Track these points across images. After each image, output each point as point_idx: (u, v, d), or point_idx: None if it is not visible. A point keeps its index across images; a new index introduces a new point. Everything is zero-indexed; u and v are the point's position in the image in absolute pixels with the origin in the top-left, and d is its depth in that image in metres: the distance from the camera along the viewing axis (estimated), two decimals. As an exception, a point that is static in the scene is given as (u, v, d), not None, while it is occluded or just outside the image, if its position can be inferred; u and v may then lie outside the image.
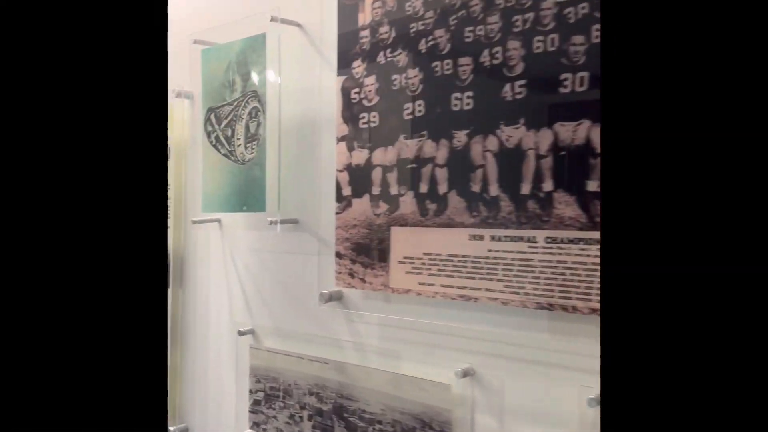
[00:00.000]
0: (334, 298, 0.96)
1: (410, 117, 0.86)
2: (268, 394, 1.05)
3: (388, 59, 0.88)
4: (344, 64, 0.93)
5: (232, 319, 1.14)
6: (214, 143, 1.09)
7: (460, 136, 0.80)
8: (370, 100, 0.90)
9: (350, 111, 0.92)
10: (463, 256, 0.80)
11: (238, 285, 1.13)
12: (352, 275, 0.92)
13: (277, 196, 1.01)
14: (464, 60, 0.80)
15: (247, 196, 1.04)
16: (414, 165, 0.85)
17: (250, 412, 1.08)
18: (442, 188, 0.82)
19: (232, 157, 1.07)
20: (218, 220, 1.16)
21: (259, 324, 1.09)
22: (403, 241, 0.86)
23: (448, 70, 0.82)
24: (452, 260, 0.81)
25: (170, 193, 1.22)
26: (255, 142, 1.03)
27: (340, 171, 0.94)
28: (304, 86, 1.01)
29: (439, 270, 0.82)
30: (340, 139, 0.94)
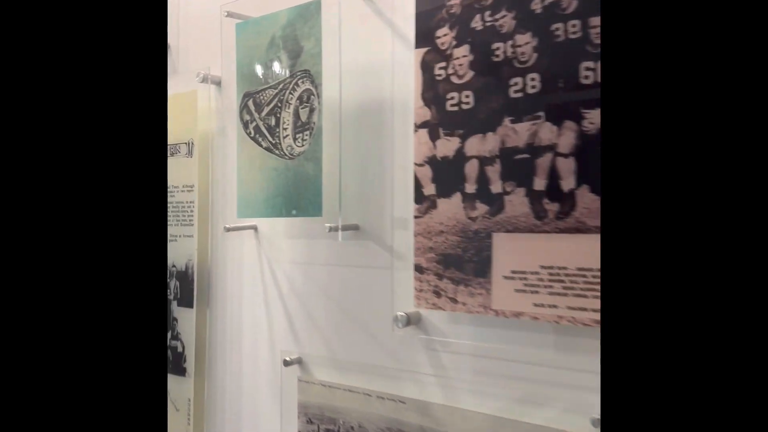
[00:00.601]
0: (412, 321, 0.78)
1: (519, 95, 0.68)
2: (323, 438, 0.87)
3: (488, 24, 0.70)
4: (425, 33, 0.75)
5: (273, 346, 0.95)
6: (252, 135, 0.91)
7: (593, 117, 0.63)
8: (461, 77, 0.73)
9: (433, 91, 0.75)
10: (599, 270, 0.62)
11: (279, 304, 0.95)
12: (437, 293, 0.74)
13: (338, 198, 0.83)
14: (597, 20, 0.63)
15: (298, 197, 0.86)
16: (525, 155, 0.68)
17: (298, 458, 0.90)
18: (568, 183, 0.65)
19: (276, 151, 0.88)
20: (254, 227, 0.98)
21: (309, 352, 0.91)
22: (510, 251, 0.69)
23: (574, 33, 0.64)
24: (584, 275, 0.63)
25: (193, 196, 1.04)
26: (307, 132, 0.85)
27: (420, 165, 0.76)
28: (371, 63, 0.83)
29: (565, 288, 0.65)
30: (419, 126, 0.76)
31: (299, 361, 0.91)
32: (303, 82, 0.85)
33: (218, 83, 1.03)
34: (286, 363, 0.90)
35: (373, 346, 0.83)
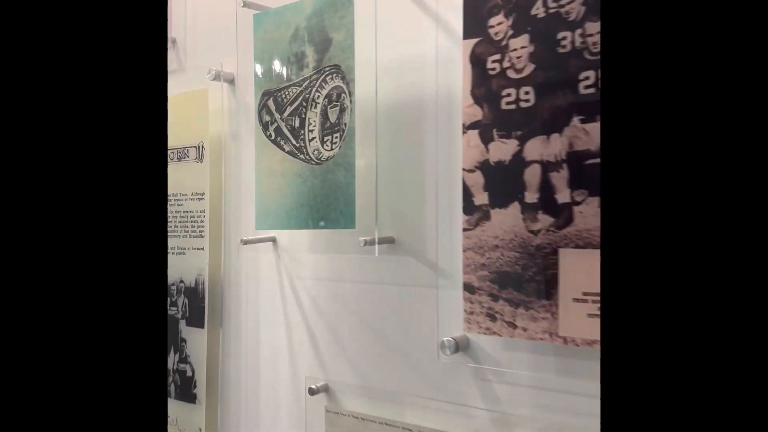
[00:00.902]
0: (461, 347, 0.69)
1: (591, 90, 0.60)
2: (354, 476, 0.77)
3: (552, 10, 0.62)
4: (475, 21, 0.67)
5: (296, 371, 0.86)
6: (273, 137, 0.82)
7: (684, 116, 0.54)
8: (519, 70, 0.64)
9: (486, 87, 0.66)
10: (693, 293, 0.54)
11: (302, 325, 0.85)
12: (492, 317, 0.65)
13: (374, 208, 0.74)
14: (688, 3, 0.55)
15: (326, 207, 0.77)
16: (599, 159, 0.59)
17: (325, 497, 0.80)
18: (653, 192, 0.56)
19: (301, 155, 0.79)
20: (272, 239, 0.88)
21: (337, 379, 0.81)
22: (581, 270, 0.60)
23: (660, 19, 0.56)
24: (675, 299, 0.55)
25: (204, 205, 0.94)
26: (337, 134, 0.76)
27: (470, 171, 0.67)
28: (411, 56, 0.74)
29: (651, 313, 0.56)
30: (468, 127, 0.67)
31: (326, 389, 0.82)
32: (332, 79, 0.76)
33: (231, 81, 0.94)
34: (312, 391, 0.81)
35: (411, 374, 0.74)
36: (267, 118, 0.83)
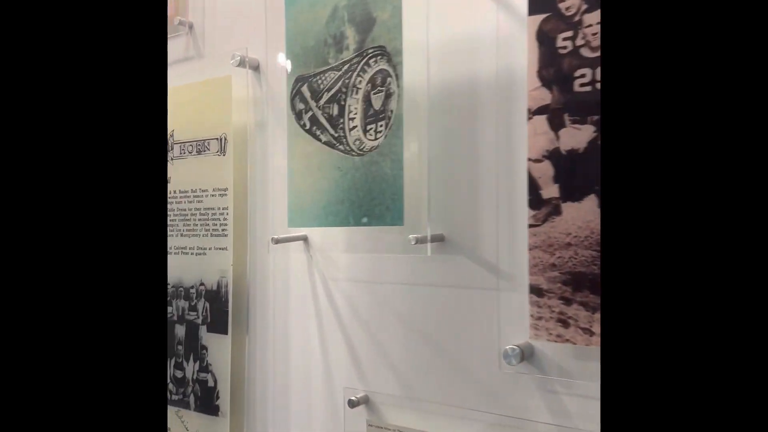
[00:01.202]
0: (525, 356, 0.62)
1: (682, 69, 0.53)
2: (400, 496, 0.71)
3: (635, -19, 0.55)
4: (542, -4, 0.60)
5: (332, 381, 0.79)
6: (308, 127, 0.75)
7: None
8: (595, 48, 0.58)
9: (555, 67, 0.60)
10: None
11: (338, 331, 0.79)
12: (564, 323, 0.59)
13: (426, 203, 0.67)
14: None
15: (369, 202, 0.70)
16: (693, 146, 0.53)
17: None
18: (760, 182, 0.50)
19: (340, 146, 0.73)
20: (303, 238, 0.82)
21: (379, 390, 0.75)
22: (671, 270, 0.54)
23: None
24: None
25: (227, 201, 0.87)
26: (382, 123, 0.69)
27: (537, 161, 0.60)
28: (467, 35, 0.67)
29: (759, 318, 0.50)
30: (535, 112, 0.61)
31: (366, 401, 0.75)
32: (376, 62, 0.69)
33: (256, 68, 0.87)
34: (352, 403, 0.74)
35: (466, 385, 0.68)
36: (301, 106, 0.76)
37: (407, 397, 0.72)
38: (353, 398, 0.74)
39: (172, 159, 0.95)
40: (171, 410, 0.94)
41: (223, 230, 0.88)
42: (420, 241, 0.66)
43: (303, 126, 0.76)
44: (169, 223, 0.95)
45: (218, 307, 0.88)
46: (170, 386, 0.94)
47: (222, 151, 0.89)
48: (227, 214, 0.88)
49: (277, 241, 0.79)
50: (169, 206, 0.95)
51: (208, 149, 0.90)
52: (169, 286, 0.95)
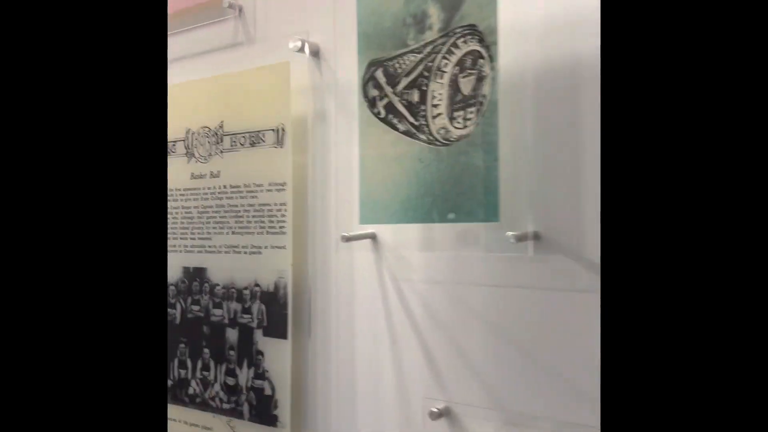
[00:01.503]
0: (642, 366, 0.56)
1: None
2: None
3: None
4: (664, -34, 0.54)
5: (406, 391, 0.73)
6: (383, 115, 0.69)
7: None
8: (730, 24, 0.52)
9: (680, 46, 0.54)
10: None
11: (413, 337, 0.73)
12: (692, 330, 0.53)
13: (527, 197, 0.61)
14: None
15: (456, 196, 0.64)
16: None
17: None
18: None
19: (422, 136, 0.67)
20: (372, 236, 0.76)
21: (462, 400, 0.69)
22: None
23: None
24: None
25: (285, 197, 0.82)
26: (472, 110, 0.63)
27: (657, 150, 0.54)
28: (570, 12, 0.61)
29: None
30: (654, 96, 0.55)
31: (447, 413, 0.69)
32: (465, 42, 0.63)
33: (316, 53, 0.81)
34: (434, 415, 0.68)
35: (565, 397, 0.62)
36: (374, 92, 0.70)
37: (495, 409, 0.66)
38: (434, 409, 0.69)
39: (221, 152, 0.89)
40: (221, 419, 0.88)
41: (280, 227, 0.82)
42: (520, 238, 0.60)
43: (377, 114, 0.70)
44: (218, 220, 0.89)
45: (276, 310, 0.83)
46: (221, 394, 0.88)
47: (279, 142, 0.83)
48: (285, 210, 0.82)
49: (348, 239, 0.73)
50: (218, 202, 0.89)
51: (263, 141, 0.84)
52: (218, 287, 0.89)
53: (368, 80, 0.71)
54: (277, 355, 0.82)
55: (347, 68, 0.76)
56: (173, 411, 0.94)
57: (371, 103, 0.70)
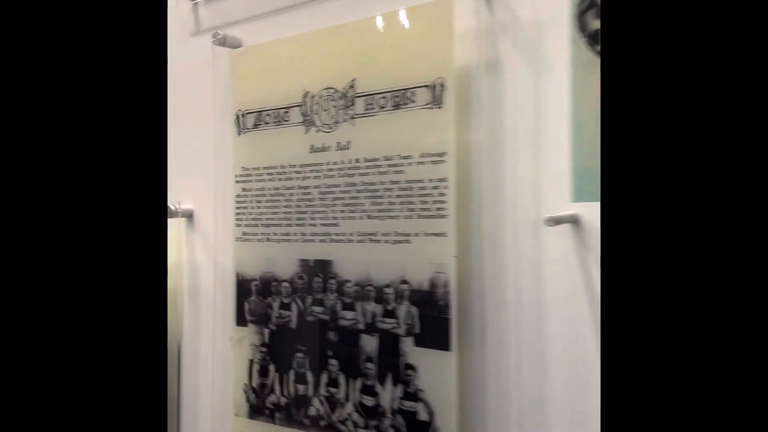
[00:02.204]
0: None
1: None
2: None
3: None
4: None
5: (629, 422, 0.56)
6: (611, 55, 0.51)
7: None
8: None
9: None
10: None
11: (636, 351, 0.55)
12: None
13: None
14: None
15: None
16: None
17: None
18: None
19: (677, 79, 0.49)
20: (574, 219, 0.58)
21: None
22: None
23: None
24: None
25: (444, 171, 0.64)
26: None
27: None
28: None
29: None
30: None
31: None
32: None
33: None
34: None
35: None
36: (597, 24, 0.52)
37: None
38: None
39: (352, 117, 0.72)
40: (354, 446, 0.72)
41: (438, 210, 0.65)
42: None
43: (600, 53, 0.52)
44: (348, 201, 0.72)
45: (433, 314, 0.65)
46: (354, 416, 0.72)
47: (436, 102, 0.65)
48: (446, 188, 0.65)
49: (556, 222, 0.55)
50: (348, 179, 0.72)
51: (413, 101, 0.67)
52: (349, 284, 0.72)
53: (588, 7, 0.53)
54: (435, 370, 0.65)
55: (533, 2, 0.59)
56: (289, 434, 0.78)
57: (592, 38, 0.53)
